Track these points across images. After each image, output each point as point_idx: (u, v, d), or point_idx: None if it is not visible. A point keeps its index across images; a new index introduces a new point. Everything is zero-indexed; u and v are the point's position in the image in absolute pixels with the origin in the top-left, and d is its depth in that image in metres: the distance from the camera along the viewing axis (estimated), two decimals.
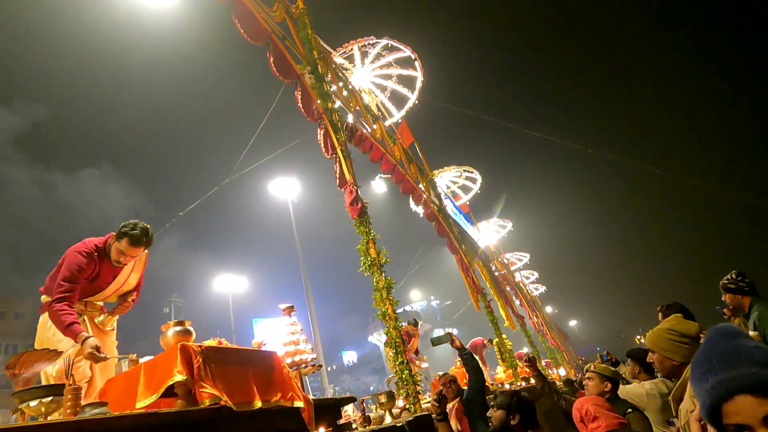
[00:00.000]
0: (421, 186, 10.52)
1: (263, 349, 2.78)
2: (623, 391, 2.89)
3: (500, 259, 20.03)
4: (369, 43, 10.30)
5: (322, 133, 5.70)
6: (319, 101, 5.85)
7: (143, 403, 1.97)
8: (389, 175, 9.14)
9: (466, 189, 17.45)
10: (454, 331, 4.60)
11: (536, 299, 29.53)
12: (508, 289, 15.92)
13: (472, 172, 16.80)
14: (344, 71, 9.41)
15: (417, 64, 10.97)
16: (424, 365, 6.89)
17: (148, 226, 2.71)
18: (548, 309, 40.92)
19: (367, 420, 3.56)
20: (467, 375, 3.93)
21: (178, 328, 2.26)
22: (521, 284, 23.86)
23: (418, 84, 11.45)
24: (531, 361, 3.72)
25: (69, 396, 1.71)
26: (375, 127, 8.57)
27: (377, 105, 11.12)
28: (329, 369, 47.38)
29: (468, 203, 17.50)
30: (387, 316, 4.42)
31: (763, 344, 0.67)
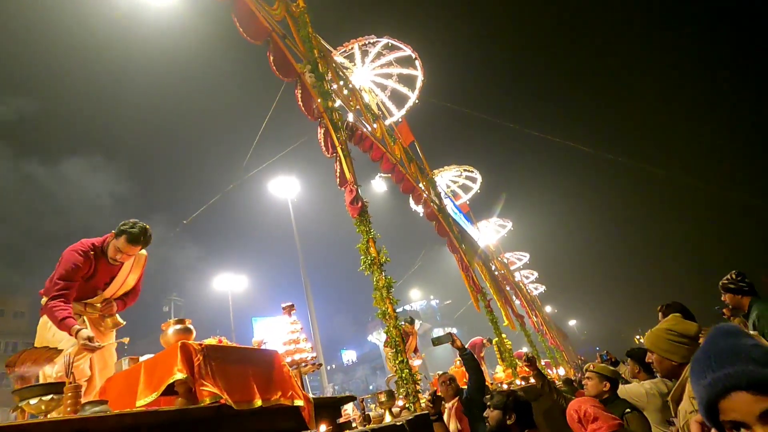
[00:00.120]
0: (421, 185, 10.51)
1: (263, 347, 2.78)
2: (623, 390, 2.89)
3: (500, 258, 20.03)
4: (369, 42, 10.30)
5: (323, 131, 5.70)
6: (319, 100, 5.84)
7: (143, 401, 1.98)
8: (389, 175, 9.14)
9: (466, 188, 17.46)
10: (454, 331, 4.61)
11: (536, 299, 29.55)
12: (507, 288, 15.92)
13: (472, 172, 16.81)
14: (344, 70, 9.40)
15: (417, 63, 10.96)
16: (416, 362, 6.88)
17: (147, 226, 2.73)
18: (548, 308, 40.98)
19: (366, 419, 3.56)
20: (467, 374, 3.93)
21: (179, 326, 2.26)
22: (521, 284, 23.88)
23: (419, 83, 11.44)
24: (530, 361, 3.72)
25: (69, 394, 1.71)
26: (375, 126, 8.56)
27: (377, 104, 11.11)
28: (329, 368, 47.42)
29: (468, 203, 17.51)
30: (387, 315, 4.42)
31: (762, 343, 0.67)
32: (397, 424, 3.09)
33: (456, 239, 10.83)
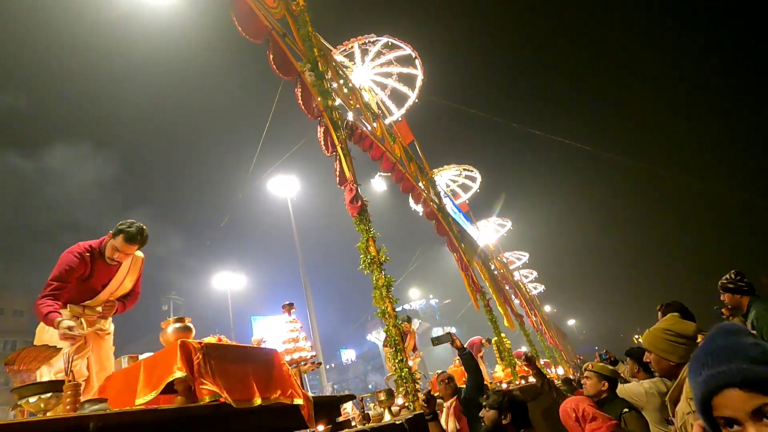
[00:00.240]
0: (420, 184, 10.51)
1: (263, 346, 2.78)
2: (622, 389, 2.89)
3: (499, 258, 20.04)
4: (369, 41, 10.28)
5: (322, 130, 5.69)
6: (319, 99, 5.84)
7: (143, 399, 1.97)
8: (389, 174, 9.13)
9: (465, 188, 17.44)
10: (453, 330, 4.61)
11: (535, 298, 29.57)
12: (507, 288, 15.93)
13: (471, 171, 16.79)
14: (344, 69, 9.39)
15: (417, 62, 10.94)
16: (414, 361, 6.87)
17: (144, 226, 2.79)
18: (547, 308, 41.02)
19: (366, 417, 3.56)
20: (466, 374, 3.93)
21: (178, 324, 2.26)
22: (520, 283, 23.89)
23: (419, 82, 11.42)
24: (529, 360, 3.72)
25: (68, 392, 1.71)
26: (375, 125, 8.56)
27: (377, 103, 11.10)
28: (328, 367, 47.47)
29: (467, 202, 17.51)
30: (387, 314, 4.42)
31: (762, 341, 0.67)
32: (397, 422, 3.09)
33: (455, 238, 10.83)
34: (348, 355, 56.49)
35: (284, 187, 18.24)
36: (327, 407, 2.96)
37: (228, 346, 2.36)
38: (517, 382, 7.45)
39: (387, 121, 10.77)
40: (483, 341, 9.19)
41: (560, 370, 14.83)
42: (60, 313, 2.45)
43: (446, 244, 10.82)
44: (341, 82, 7.77)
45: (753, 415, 0.62)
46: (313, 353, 3.41)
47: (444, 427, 3.45)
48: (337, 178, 5.43)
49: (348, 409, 4.39)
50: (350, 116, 7.29)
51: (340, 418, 3.11)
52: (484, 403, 2.41)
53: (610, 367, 2.97)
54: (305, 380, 3.51)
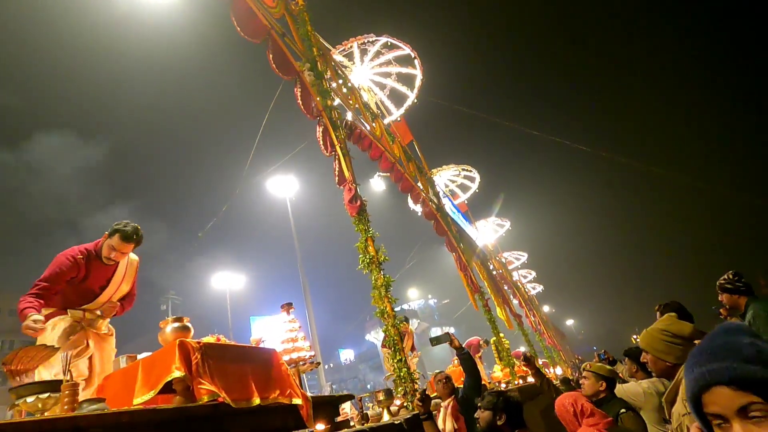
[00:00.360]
0: (419, 184, 10.52)
1: (262, 346, 2.78)
2: (621, 389, 2.90)
3: (498, 258, 20.05)
4: (369, 41, 10.27)
5: (321, 130, 5.69)
6: (318, 98, 5.83)
7: (141, 399, 1.97)
8: (388, 173, 9.13)
9: (464, 188, 17.44)
10: (452, 330, 4.61)
11: (534, 298, 29.59)
12: (505, 288, 15.95)
13: (470, 171, 16.79)
14: (344, 69, 9.38)
15: (416, 62, 10.94)
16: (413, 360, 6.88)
17: (138, 226, 2.87)
18: (545, 308, 41.07)
19: (365, 417, 3.56)
20: (464, 374, 3.93)
21: (177, 324, 2.25)
22: (519, 283, 23.91)
23: (418, 82, 11.41)
24: (528, 360, 3.72)
25: (66, 392, 1.70)
26: (374, 124, 8.56)
27: (376, 103, 11.10)
28: (327, 367, 47.44)
29: (466, 202, 17.50)
30: (385, 313, 4.42)
31: (759, 341, 0.68)
32: (396, 422, 3.09)
33: (454, 238, 10.84)
34: (346, 354, 56.51)
35: (283, 186, 18.23)
36: (326, 407, 2.96)
37: (226, 345, 2.35)
38: (516, 382, 7.46)
39: (386, 121, 10.77)
40: (481, 342, 9.20)
41: (558, 370, 14.86)
42: (36, 310, 2.45)
43: (445, 244, 10.83)
44: (340, 81, 7.77)
45: (739, 413, 0.63)
46: (312, 353, 3.41)
47: (442, 427, 3.44)
48: (336, 178, 5.42)
49: (347, 409, 4.39)
50: (349, 116, 7.28)
51: (339, 418, 3.11)
52: (479, 404, 2.42)
53: (608, 367, 2.97)
54: (304, 380, 3.51)
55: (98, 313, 2.86)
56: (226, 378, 2.12)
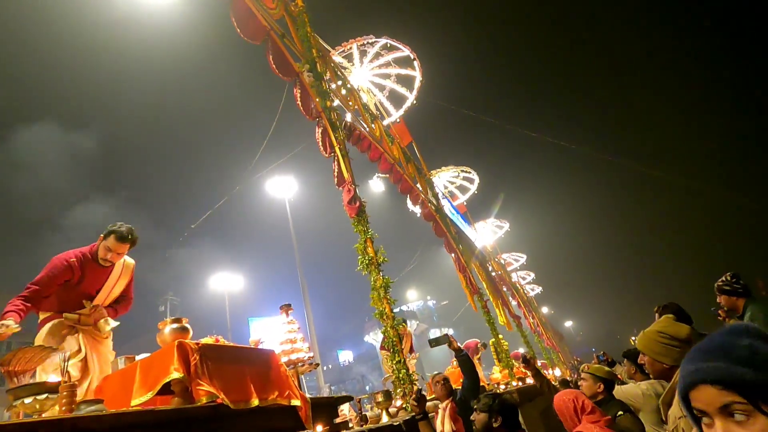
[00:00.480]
0: (418, 185, 10.52)
1: (260, 347, 2.78)
2: (619, 391, 2.90)
3: (497, 259, 20.07)
4: (368, 42, 10.31)
5: (321, 131, 5.70)
6: (317, 99, 5.84)
7: (139, 400, 1.96)
8: (387, 175, 9.14)
9: (463, 189, 17.48)
10: (451, 332, 4.62)
11: (532, 300, 29.61)
12: (504, 289, 15.95)
13: (469, 173, 16.84)
14: (343, 70, 9.40)
15: (416, 63, 10.98)
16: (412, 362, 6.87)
17: (132, 227, 2.89)
18: (544, 310, 41.07)
19: (363, 419, 3.56)
20: (462, 375, 3.93)
21: (175, 325, 2.24)
22: (518, 285, 23.92)
23: (417, 83, 11.45)
24: (527, 361, 3.72)
25: (64, 393, 1.70)
26: (373, 126, 8.57)
27: (375, 104, 11.11)
28: (325, 368, 47.36)
29: (465, 203, 17.55)
30: (384, 315, 4.42)
31: (759, 343, 0.67)
32: (394, 424, 3.09)
33: (453, 240, 10.84)
34: (345, 356, 56.39)
35: (282, 187, 18.23)
36: (324, 408, 2.95)
37: (225, 346, 2.35)
38: (515, 384, 7.45)
39: (385, 122, 10.79)
40: (478, 345, 9.18)
41: (557, 372, 14.86)
42: (18, 314, 2.43)
43: (444, 245, 10.83)
44: (340, 83, 7.78)
45: (721, 411, 0.65)
46: (311, 354, 3.41)
47: (440, 428, 3.44)
48: (336, 179, 5.43)
49: (345, 410, 4.38)
50: (348, 117, 7.29)
51: (338, 420, 3.11)
52: (474, 407, 2.42)
53: (606, 368, 2.97)
54: (302, 381, 3.51)
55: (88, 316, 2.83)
56: (225, 379, 2.12)
